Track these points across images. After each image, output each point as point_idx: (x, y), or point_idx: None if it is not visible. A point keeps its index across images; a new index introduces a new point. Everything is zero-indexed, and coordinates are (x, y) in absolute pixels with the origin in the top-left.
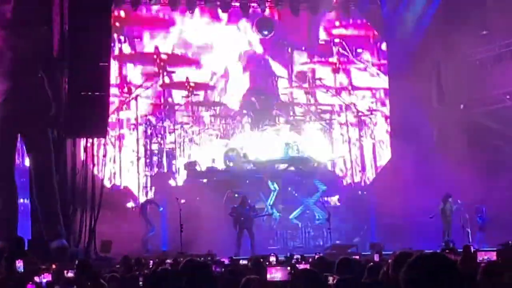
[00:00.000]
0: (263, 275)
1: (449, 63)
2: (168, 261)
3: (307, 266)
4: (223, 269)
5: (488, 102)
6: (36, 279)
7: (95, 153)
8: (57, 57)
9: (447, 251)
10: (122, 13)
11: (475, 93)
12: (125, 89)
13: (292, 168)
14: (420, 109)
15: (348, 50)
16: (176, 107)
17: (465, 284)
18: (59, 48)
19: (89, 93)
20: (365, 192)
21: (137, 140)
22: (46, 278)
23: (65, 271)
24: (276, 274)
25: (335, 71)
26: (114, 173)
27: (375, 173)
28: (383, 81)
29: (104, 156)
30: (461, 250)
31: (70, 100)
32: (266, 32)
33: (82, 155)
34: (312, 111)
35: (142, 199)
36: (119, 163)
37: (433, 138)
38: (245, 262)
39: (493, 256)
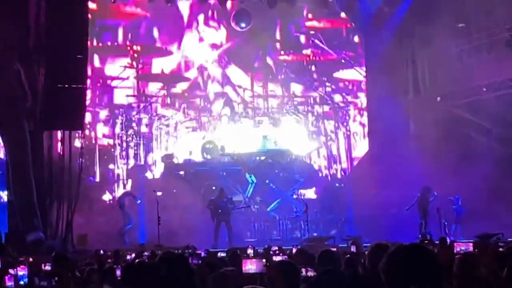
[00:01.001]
0: (239, 268)
1: (425, 55)
2: (146, 253)
3: (285, 258)
4: (200, 261)
5: (465, 94)
6: (12, 271)
7: (72, 145)
8: (33, 49)
9: (425, 242)
10: (94, 5)
11: (452, 86)
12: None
13: (269, 161)
14: (396, 101)
15: (322, 42)
16: (153, 99)
17: (444, 275)
18: (36, 40)
19: (66, 86)
20: (342, 184)
21: (113, 133)
22: (22, 270)
23: (43, 264)
24: (251, 266)
25: (309, 63)
26: (89, 165)
27: (351, 165)
28: (357, 73)
29: (81, 148)
30: (438, 242)
31: (47, 92)
32: (243, 25)
33: (59, 147)
34: (288, 104)
35: (118, 191)
36: (94, 155)
37: (409, 130)
38: (223, 254)
39: (469, 247)
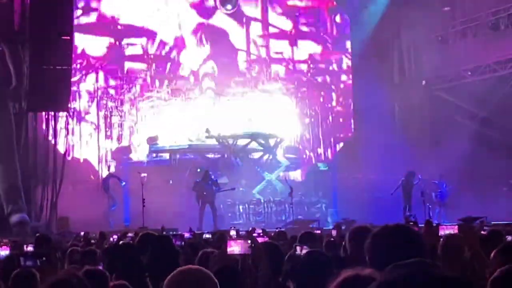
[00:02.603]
0: (224, 249)
1: (411, 39)
2: (130, 234)
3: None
4: (183, 243)
5: (450, 78)
6: None
7: (56, 127)
8: (18, 30)
9: (411, 223)
10: None
11: (437, 69)
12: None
13: (254, 143)
14: (381, 84)
15: (306, 23)
16: (138, 81)
17: (428, 254)
18: (20, 21)
19: (51, 67)
20: (327, 167)
21: (97, 113)
22: (4, 250)
23: (25, 246)
24: (236, 247)
25: (292, 44)
26: (73, 146)
27: (335, 148)
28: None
29: (66, 130)
30: (422, 225)
31: (32, 73)
32: (229, 7)
33: (43, 129)
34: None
35: (102, 172)
36: (78, 136)
37: (394, 113)
38: (208, 236)
39: (454, 230)
